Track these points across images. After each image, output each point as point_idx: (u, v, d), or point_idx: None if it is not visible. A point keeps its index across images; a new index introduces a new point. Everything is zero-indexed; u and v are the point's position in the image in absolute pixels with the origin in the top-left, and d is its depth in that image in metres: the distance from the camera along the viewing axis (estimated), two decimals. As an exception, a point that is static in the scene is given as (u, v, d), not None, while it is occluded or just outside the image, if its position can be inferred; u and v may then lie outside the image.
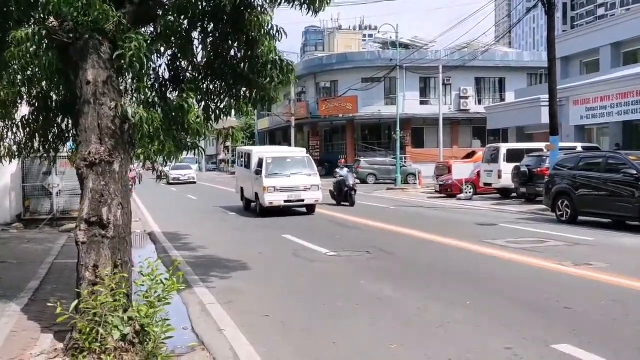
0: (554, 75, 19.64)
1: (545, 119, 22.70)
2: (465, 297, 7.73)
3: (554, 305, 7.28)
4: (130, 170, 7.39)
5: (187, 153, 7.36)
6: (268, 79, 7.04)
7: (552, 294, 7.79)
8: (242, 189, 21.56)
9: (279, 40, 6.94)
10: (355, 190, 21.85)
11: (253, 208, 20.22)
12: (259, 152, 20.58)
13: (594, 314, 6.88)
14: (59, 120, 7.22)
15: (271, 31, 6.85)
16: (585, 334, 6.07)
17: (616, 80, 25.35)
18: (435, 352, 5.67)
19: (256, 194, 19.15)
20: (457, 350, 5.68)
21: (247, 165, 20.69)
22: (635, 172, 13.65)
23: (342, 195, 21.68)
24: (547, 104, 20.45)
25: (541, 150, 21.69)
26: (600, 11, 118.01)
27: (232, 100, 7.42)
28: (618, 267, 9.46)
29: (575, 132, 28.01)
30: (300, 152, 21.77)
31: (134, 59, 5.48)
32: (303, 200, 18.68)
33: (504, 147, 24.30)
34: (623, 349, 5.61)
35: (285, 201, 18.48)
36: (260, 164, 19.06)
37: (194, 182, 43.61)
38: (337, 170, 22.76)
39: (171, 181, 43.20)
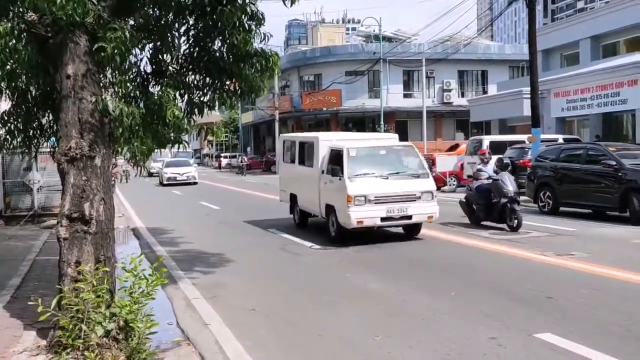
0: (535, 67, 19.78)
1: (527, 111, 22.88)
2: (450, 289, 7.78)
3: (536, 295, 7.35)
4: (115, 166, 7.34)
5: (172, 147, 7.31)
6: (252, 70, 6.99)
7: (534, 284, 7.87)
8: (293, 196, 14.56)
9: (262, 25, 6.90)
10: (519, 202, 13.25)
11: (314, 224, 13.98)
12: (327, 140, 13.27)
13: (575, 303, 6.95)
14: (40, 115, 7.14)
15: (252, 20, 6.81)
16: (567, 323, 6.14)
17: (596, 73, 25.60)
18: (420, 342, 5.71)
19: (329, 207, 12.12)
20: (441, 340, 5.72)
21: (303, 161, 14.05)
22: (614, 163, 13.80)
23: (492, 211, 13.26)
24: (529, 96, 20.61)
25: (523, 142, 21.85)
26: (580, 4, 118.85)
27: (215, 94, 7.37)
28: (599, 256, 9.57)
29: (556, 124, 28.25)
30: (392, 139, 14.55)
31: (115, 51, 5.42)
32: (410, 217, 11.46)
33: (486, 140, 24.42)
34: (604, 337, 5.68)
35: (383, 219, 11.30)
36: (335, 158, 12.10)
37: (195, 183, 34.27)
38: (480, 167, 14.46)
39: (165, 182, 33.93)
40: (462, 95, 46.72)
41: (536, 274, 8.55)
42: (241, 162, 48.53)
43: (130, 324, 5.17)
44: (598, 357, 5.12)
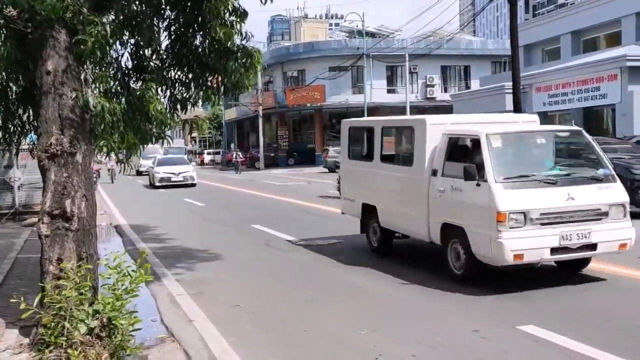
0: (517, 63, 19.89)
1: (509, 106, 23.01)
2: (433, 282, 7.81)
3: (518, 288, 7.41)
4: (99, 163, 7.28)
5: (155, 143, 7.26)
6: (235, 65, 6.96)
7: (516, 277, 7.93)
8: (368, 207, 10.07)
9: (245, 21, 6.87)
10: None
11: (401, 248, 10.12)
12: (438, 124, 8.71)
13: (557, 295, 7.02)
14: (20, 111, 7.05)
15: (234, 15, 6.77)
16: (549, 315, 6.21)
17: (576, 68, 25.86)
18: (404, 336, 5.74)
19: (449, 228, 7.94)
20: (426, 334, 5.75)
21: (391, 157, 9.94)
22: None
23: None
24: (511, 91, 20.72)
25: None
26: (561, 0, 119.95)
27: (199, 90, 7.33)
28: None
29: (538, 118, 28.48)
30: (533, 122, 10.23)
31: (96, 45, 5.36)
32: (594, 247, 7.36)
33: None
34: (587, 328, 5.76)
35: (555, 250, 7.17)
36: (460, 151, 8.10)
37: (194, 184, 28.26)
38: None
39: (157, 183, 28.06)
40: (445, 91, 46.90)
41: (518, 266, 8.60)
42: (236, 158, 44.41)
43: (114, 321, 5.13)
44: (581, 348, 5.18)
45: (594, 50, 29.79)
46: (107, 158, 7.38)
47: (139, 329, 5.38)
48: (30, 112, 6.97)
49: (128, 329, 5.21)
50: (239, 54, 6.95)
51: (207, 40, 6.98)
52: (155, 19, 6.80)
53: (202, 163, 60.04)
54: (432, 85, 47.00)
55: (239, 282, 8.48)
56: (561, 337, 5.46)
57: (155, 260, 9.85)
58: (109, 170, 32.24)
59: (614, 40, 29.00)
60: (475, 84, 43.27)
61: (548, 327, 5.74)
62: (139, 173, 39.25)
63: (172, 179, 28.00)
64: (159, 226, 14.60)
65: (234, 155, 45.57)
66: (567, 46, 31.25)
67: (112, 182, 32.29)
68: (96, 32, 5.34)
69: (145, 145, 6.92)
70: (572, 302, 6.74)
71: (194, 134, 77.34)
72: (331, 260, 9.64)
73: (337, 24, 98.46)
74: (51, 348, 4.85)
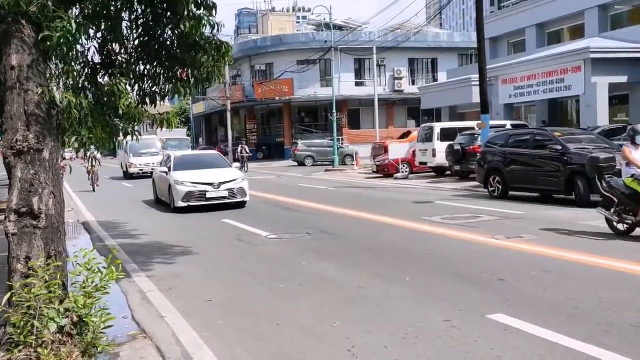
0: (484, 55, 20.16)
1: (476, 98, 23.34)
2: (405, 274, 7.91)
3: (488, 277, 7.55)
4: (63, 159, 7.14)
5: (125, 138, 7.16)
6: (204, 59, 6.91)
7: (486, 267, 8.07)
8: None
9: (213, 14, 6.82)
10: None
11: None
12: None
13: (526, 284, 7.17)
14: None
15: (201, 8, 6.72)
16: (519, 304, 6.34)
17: (541, 60, 26.31)
18: (377, 327, 5.80)
19: None
20: (398, 324, 5.82)
21: None
22: (560, 147, 14.25)
23: None
24: (478, 83, 21.01)
25: (473, 128, 22.30)
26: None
27: (168, 83, 7.26)
28: (547, 238, 9.89)
29: (504, 110, 28.92)
30: None
31: (62, 41, 5.27)
32: None
33: (437, 127, 24.82)
34: (554, 316, 5.89)
35: None
36: None
37: (243, 203, 16.58)
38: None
39: (182, 203, 15.85)
40: (413, 83, 47.28)
41: (487, 257, 8.77)
42: (241, 152, 35.63)
43: (85, 319, 5.08)
44: (549, 335, 5.30)
45: (559, 42, 30.33)
46: (82, 156, 7.27)
47: (111, 326, 5.34)
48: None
49: (99, 326, 5.16)
50: (207, 47, 6.90)
51: (176, 34, 6.91)
52: (123, 12, 6.70)
53: None
54: (400, 78, 47.32)
55: (210, 277, 8.45)
56: (530, 325, 5.58)
57: (125, 256, 9.75)
58: (89, 173, 22.65)
59: (578, 32, 29.56)
60: (442, 77, 43.71)
61: (517, 315, 5.86)
62: (129, 176, 31.31)
63: (212, 196, 15.96)
64: (128, 222, 14.45)
65: (240, 149, 36.08)
66: (532, 39, 31.75)
67: (94, 189, 22.93)
68: (62, 27, 5.25)
69: (117, 139, 6.83)
70: (541, 291, 6.88)
71: (161, 129, 76.39)
72: (303, 254, 9.67)
73: (304, 17, 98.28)
74: (21, 348, 4.77)
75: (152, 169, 23.88)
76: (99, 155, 22.72)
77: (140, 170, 31.27)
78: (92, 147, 6.74)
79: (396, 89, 47.36)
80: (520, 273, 7.69)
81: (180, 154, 19.14)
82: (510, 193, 15.90)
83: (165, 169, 17.38)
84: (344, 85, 45.47)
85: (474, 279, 7.55)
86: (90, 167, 21.99)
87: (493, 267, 8.04)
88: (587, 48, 23.78)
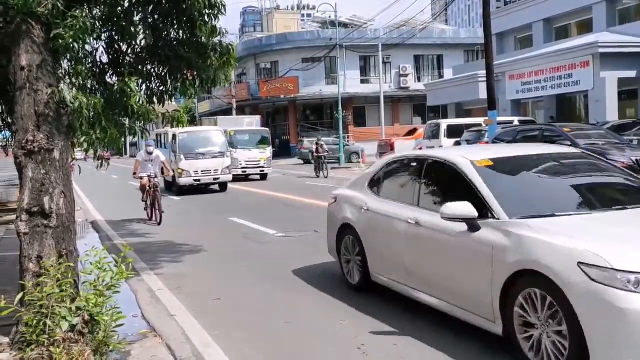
0: (490, 51, 20.08)
1: (482, 94, 23.29)
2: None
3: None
4: (74, 159, 7.17)
5: (134, 137, 7.19)
6: (212, 59, 6.94)
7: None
8: None
9: (223, 14, 6.83)
10: None
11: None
12: None
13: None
14: (-6, 108, 6.94)
15: (211, 8, 6.73)
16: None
17: (549, 55, 26.21)
18: (385, 325, 5.78)
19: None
20: (407, 323, 5.80)
21: None
22: (569, 143, 14.17)
23: None
24: (484, 79, 20.95)
25: (480, 125, 22.25)
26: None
27: (176, 83, 7.28)
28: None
29: (511, 106, 28.84)
30: None
31: (72, 40, 5.29)
32: None
33: (444, 123, 24.79)
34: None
35: None
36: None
37: None
38: None
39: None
40: (419, 80, 47.20)
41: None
42: (317, 151, 26.70)
43: (96, 318, 5.10)
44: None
45: (566, 37, 30.20)
46: (85, 155, 7.29)
47: (122, 325, 5.35)
48: (4, 109, 6.85)
49: (111, 325, 5.18)
50: (216, 50, 6.92)
51: (184, 35, 6.93)
52: (132, 13, 6.72)
53: None
54: (406, 75, 47.23)
55: (218, 276, 8.47)
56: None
57: (134, 255, 9.77)
58: (145, 191, 15.03)
59: (586, 27, 29.44)
60: (448, 73, 43.63)
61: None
62: (177, 189, 21.50)
63: None
64: (136, 221, 14.49)
65: (315, 147, 26.90)
66: (539, 34, 31.63)
67: (158, 220, 14.02)
68: (73, 25, 5.26)
69: (125, 138, 6.85)
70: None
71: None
72: (311, 252, 9.67)
73: (309, 15, 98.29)
74: (33, 346, 4.80)
75: (216, 178, 21.39)
76: (107, 153, 21.26)
77: (196, 180, 21.12)
78: (101, 146, 6.75)
79: (402, 86, 47.27)
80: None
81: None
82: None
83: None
84: (350, 82, 45.44)
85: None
86: (148, 184, 14.12)
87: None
88: (596, 43, 23.68)
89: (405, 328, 5.65)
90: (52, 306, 4.89)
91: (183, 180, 21.11)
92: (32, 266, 5.29)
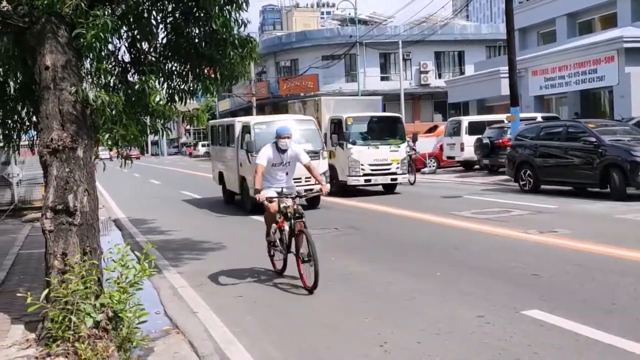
0: (513, 46, 19.88)
1: (505, 90, 23.05)
2: (435, 269, 7.85)
3: (521, 272, 7.45)
4: (100, 159, 7.24)
5: (155, 136, 7.23)
6: (232, 54, 6.94)
7: (519, 262, 7.96)
8: None
9: (245, 11, 6.84)
10: None
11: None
12: None
13: (560, 279, 7.06)
14: (19, 107, 7.01)
15: (230, 5, 6.73)
16: (553, 299, 6.24)
17: (573, 50, 25.84)
18: (407, 323, 5.76)
19: None
20: (429, 320, 5.78)
21: None
22: (594, 139, 13.97)
23: None
24: (507, 75, 20.74)
25: (502, 121, 22.01)
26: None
27: (197, 81, 7.31)
28: (582, 233, 9.71)
29: (534, 102, 28.49)
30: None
31: (95, 39, 5.33)
32: None
33: (465, 120, 24.57)
34: (589, 311, 5.79)
35: None
36: None
37: None
38: None
39: None
40: (440, 77, 46.85)
41: (520, 252, 8.65)
42: (414, 154, 22.15)
43: (120, 314, 5.15)
44: (585, 331, 5.21)
45: (590, 32, 29.73)
46: (110, 154, 7.36)
47: (145, 322, 5.40)
48: (29, 108, 6.93)
49: (134, 321, 5.23)
50: (236, 43, 6.92)
51: (205, 31, 6.94)
52: (153, 11, 6.75)
53: (190, 155, 59.66)
54: (426, 72, 46.92)
55: (239, 273, 8.49)
56: (566, 320, 5.49)
57: (155, 252, 9.82)
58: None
59: (610, 21, 28.95)
60: (469, 70, 43.23)
61: (552, 311, 5.77)
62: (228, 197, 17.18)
63: None
64: (157, 219, 14.60)
65: (411, 148, 20.97)
66: (562, 29, 31.18)
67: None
68: (96, 24, 5.30)
69: (146, 136, 6.89)
70: (576, 286, 6.77)
71: (188, 127, 77.16)
72: (331, 249, 9.65)
73: (329, 13, 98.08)
74: (58, 342, 4.87)
75: (307, 189, 12.19)
76: (135, 152, 19.79)
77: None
78: (123, 145, 6.79)
79: (422, 82, 46.97)
80: (554, 268, 7.57)
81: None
82: (542, 187, 15.66)
83: None
84: (369, 80, 45.27)
85: (507, 274, 7.46)
86: (284, 209, 7.71)
87: (526, 262, 7.93)
88: (620, 37, 23.29)
89: (429, 327, 5.61)
90: (77, 302, 4.95)
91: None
92: (57, 263, 5.35)
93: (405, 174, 18.05)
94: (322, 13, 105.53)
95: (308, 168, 7.75)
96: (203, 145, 64.46)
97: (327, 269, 8.28)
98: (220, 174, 17.44)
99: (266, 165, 7.55)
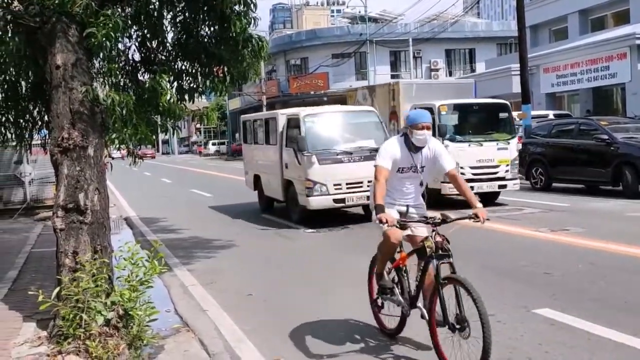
0: (524, 43, 19.76)
1: (516, 88, 22.89)
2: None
3: (532, 271, 7.41)
4: (106, 156, 7.28)
5: (166, 134, 7.25)
6: (243, 54, 6.94)
7: (530, 261, 7.92)
8: None
9: (253, 11, 6.84)
10: None
11: None
12: None
13: (571, 277, 7.01)
14: (30, 106, 7.06)
15: (241, 5, 6.73)
16: (565, 298, 6.20)
17: (585, 47, 25.65)
18: (419, 322, 5.72)
19: None
20: (441, 318, 5.74)
21: None
22: (607, 137, 13.86)
23: None
24: (518, 73, 20.61)
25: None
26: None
27: (206, 80, 7.32)
28: (593, 231, 9.65)
29: (546, 100, 28.32)
30: None
31: (105, 39, 5.35)
32: None
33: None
34: (601, 309, 5.75)
35: None
36: None
37: None
38: None
39: None
40: (450, 74, 46.66)
41: (531, 250, 8.61)
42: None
43: (130, 312, 5.17)
44: (597, 329, 5.17)
45: (602, 29, 29.50)
46: (122, 154, 7.39)
47: (155, 319, 5.42)
48: (41, 107, 6.97)
49: (144, 319, 5.25)
50: (247, 45, 6.93)
51: (214, 31, 6.94)
52: (163, 10, 6.77)
53: (199, 153, 59.84)
54: (437, 70, 46.74)
55: (250, 271, 8.51)
56: (577, 319, 5.45)
57: (166, 251, 9.89)
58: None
59: (622, 18, 28.70)
60: (480, 67, 43.01)
61: (564, 310, 5.73)
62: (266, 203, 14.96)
63: None
64: (168, 218, 14.64)
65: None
66: (574, 25, 30.95)
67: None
68: (106, 24, 5.32)
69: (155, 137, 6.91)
70: (588, 284, 6.72)
71: (199, 125, 77.43)
72: (343, 247, 9.65)
73: (339, 11, 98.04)
74: (69, 340, 4.90)
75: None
76: (150, 151, 19.42)
77: (337, 201, 11.96)
78: (132, 143, 6.81)
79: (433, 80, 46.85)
80: (566, 266, 7.52)
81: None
82: (554, 185, 15.56)
83: None
84: (380, 77, 45.06)
85: (518, 272, 7.42)
86: (416, 239, 5.16)
87: (537, 261, 7.88)
88: (633, 34, 23.09)
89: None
90: (88, 300, 4.98)
91: (315, 200, 11.68)
92: (68, 261, 5.38)
93: (516, 178, 13.76)
94: (332, 11, 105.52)
95: (453, 178, 5.10)
96: (213, 144, 64.70)
97: (339, 268, 8.26)
98: (256, 178, 14.75)
99: (390, 169, 5.02)
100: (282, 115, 13.04)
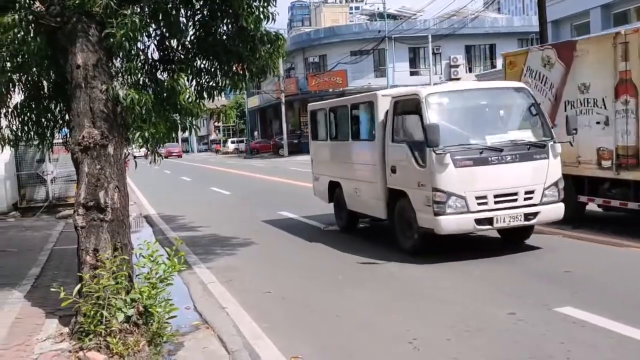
0: (546, 39, 19.55)
1: (536, 84, 22.61)
2: (463, 266, 7.76)
3: (553, 269, 7.33)
4: (134, 157, 7.36)
5: (184, 133, 7.30)
6: (262, 51, 6.96)
7: (551, 259, 7.84)
8: None
9: (274, 6, 6.85)
10: None
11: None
12: None
13: (593, 276, 6.93)
14: (52, 106, 7.14)
15: (260, 2, 6.74)
16: (586, 296, 6.13)
17: (607, 43, 25.25)
18: (437, 320, 5.72)
19: None
20: (458, 317, 5.72)
21: None
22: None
23: None
24: (539, 69, 20.34)
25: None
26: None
27: (225, 78, 7.34)
28: (617, 229, 9.50)
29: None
30: None
31: (124, 38, 5.40)
32: None
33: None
34: (622, 308, 5.67)
35: None
36: None
37: None
38: None
39: None
40: (470, 71, 46.30)
41: (552, 249, 8.50)
42: None
43: (150, 309, 5.23)
44: (619, 328, 5.11)
45: (625, 23, 29.05)
46: (145, 153, 7.43)
47: (175, 317, 5.47)
48: (62, 106, 7.05)
49: (164, 316, 5.30)
50: (265, 39, 6.94)
51: (233, 28, 6.96)
52: (181, 9, 6.80)
53: (216, 151, 60.12)
54: (457, 66, 46.42)
55: (268, 269, 8.53)
56: (599, 317, 5.38)
57: (185, 248, 9.94)
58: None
59: (645, 13, 28.27)
60: (501, 63, 42.64)
61: (585, 308, 5.66)
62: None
63: None
64: (187, 215, 14.73)
65: None
66: (597, 20, 30.53)
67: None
68: (125, 23, 5.37)
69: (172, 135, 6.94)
70: (609, 282, 6.64)
71: (217, 124, 77.81)
72: (360, 246, 9.62)
73: (357, 8, 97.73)
74: (91, 336, 4.96)
75: (529, 216, 8.10)
76: (177, 149, 19.73)
77: (480, 222, 8.00)
78: (154, 142, 6.86)
79: (452, 76, 46.44)
80: (587, 265, 7.43)
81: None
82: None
83: None
84: (399, 74, 44.98)
85: (539, 271, 7.34)
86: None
87: (558, 259, 7.80)
88: (656, 29, 22.70)
89: (458, 324, 5.56)
90: (108, 297, 5.04)
91: (449, 221, 7.91)
92: (88, 259, 5.45)
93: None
94: (351, 8, 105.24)
95: None
96: (232, 142, 65.00)
97: (356, 265, 8.24)
98: (333, 186, 11.22)
99: None
100: (383, 98, 9.29)
